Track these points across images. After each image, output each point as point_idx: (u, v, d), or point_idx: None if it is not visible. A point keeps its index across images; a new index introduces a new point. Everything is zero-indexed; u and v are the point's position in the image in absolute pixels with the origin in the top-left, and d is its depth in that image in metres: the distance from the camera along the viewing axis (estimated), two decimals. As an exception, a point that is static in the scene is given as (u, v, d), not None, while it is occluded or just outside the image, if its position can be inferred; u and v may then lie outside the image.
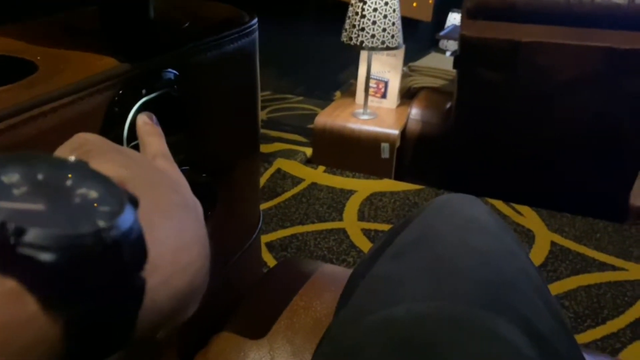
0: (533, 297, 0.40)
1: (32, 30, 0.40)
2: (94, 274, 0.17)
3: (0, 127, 0.27)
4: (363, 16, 1.59)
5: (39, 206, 0.17)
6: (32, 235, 0.16)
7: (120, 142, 0.36)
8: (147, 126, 0.33)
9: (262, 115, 2.68)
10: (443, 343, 0.33)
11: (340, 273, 0.59)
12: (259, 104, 0.58)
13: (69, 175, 0.19)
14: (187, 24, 0.47)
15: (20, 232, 0.16)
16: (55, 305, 0.16)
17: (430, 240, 0.45)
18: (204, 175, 0.49)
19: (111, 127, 0.35)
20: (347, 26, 1.65)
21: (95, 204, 0.18)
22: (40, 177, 0.18)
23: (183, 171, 0.49)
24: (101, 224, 0.17)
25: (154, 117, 0.35)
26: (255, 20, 0.53)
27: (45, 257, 0.16)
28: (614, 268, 1.26)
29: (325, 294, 0.53)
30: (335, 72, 3.33)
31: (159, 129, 0.34)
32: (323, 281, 0.55)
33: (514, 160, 1.52)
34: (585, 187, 1.48)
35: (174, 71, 0.41)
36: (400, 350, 0.33)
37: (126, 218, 0.18)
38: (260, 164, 1.66)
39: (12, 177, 0.18)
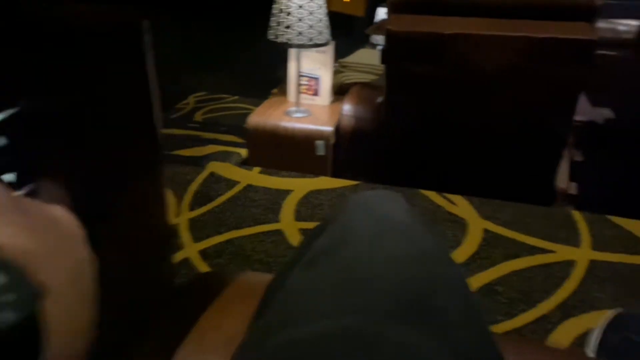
0: (447, 300, 0.39)
1: None
2: None
3: None
4: (288, 13, 1.57)
5: None
6: None
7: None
8: None
9: (197, 116, 2.61)
10: None
11: (259, 283, 0.56)
12: (157, 109, 0.54)
13: None
14: (64, 29, 0.43)
15: None
16: None
17: (342, 247, 0.44)
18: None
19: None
20: (273, 24, 1.62)
21: (3, 293, 0.19)
22: None
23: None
24: (6, 315, 0.18)
25: None
26: (144, 22, 0.49)
27: None
28: (543, 251, 1.30)
29: (238, 309, 0.50)
30: (273, 69, 3.29)
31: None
32: (238, 295, 0.53)
33: (444, 151, 1.54)
34: (514, 173, 1.52)
35: (41, 82, 0.37)
36: None
37: (31, 309, 0.19)
38: (192, 169, 1.60)
39: None
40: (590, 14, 1.43)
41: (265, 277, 0.56)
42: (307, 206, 1.47)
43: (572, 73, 1.35)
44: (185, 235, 1.33)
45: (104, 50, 0.43)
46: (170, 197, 1.48)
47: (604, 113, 1.60)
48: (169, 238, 0.60)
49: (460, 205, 1.48)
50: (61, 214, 0.28)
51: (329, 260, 0.42)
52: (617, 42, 2.42)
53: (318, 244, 0.46)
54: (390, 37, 1.41)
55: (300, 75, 1.79)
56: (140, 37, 0.49)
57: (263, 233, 1.34)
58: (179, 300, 0.53)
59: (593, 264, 1.25)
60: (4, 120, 0.34)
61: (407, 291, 0.38)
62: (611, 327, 0.91)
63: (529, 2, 1.43)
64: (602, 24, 2.53)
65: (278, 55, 1.96)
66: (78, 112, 0.42)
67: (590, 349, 0.92)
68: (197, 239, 1.32)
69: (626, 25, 2.51)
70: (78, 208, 0.43)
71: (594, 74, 1.45)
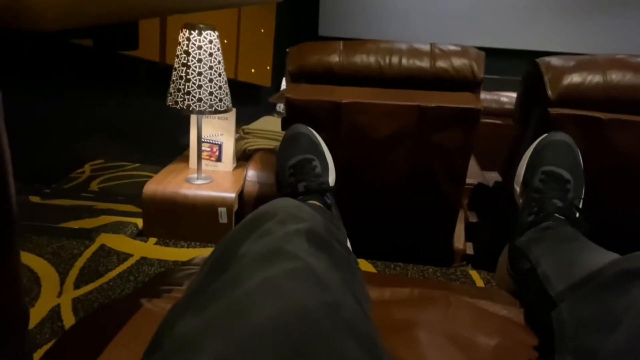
0: (339, 335, 0.37)
1: None
2: None
3: None
4: (188, 80, 1.55)
5: None
6: None
7: None
8: None
9: (93, 186, 2.46)
10: None
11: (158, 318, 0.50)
12: (9, 176, 0.48)
13: None
14: None
15: None
16: None
17: (233, 281, 0.41)
18: None
19: None
20: (172, 90, 1.59)
21: None
22: None
23: None
24: None
25: None
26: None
27: None
28: (445, 312, 1.31)
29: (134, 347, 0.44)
30: (177, 136, 3.23)
31: None
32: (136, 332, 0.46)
33: (347, 215, 1.54)
34: (414, 235, 1.55)
35: None
36: None
37: None
38: (80, 242, 1.47)
39: None
40: (474, 86, 1.55)
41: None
42: (208, 278, 1.39)
43: (460, 139, 1.44)
44: (67, 317, 1.19)
45: None
46: (52, 275, 1.33)
47: (492, 176, 1.71)
48: (22, 324, 0.52)
49: (363, 269, 1.47)
50: None
51: (219, 299, 0.39)
52: (501, 112, 2.66)
53: (215, 283, 0.43)
54: (289, 105, 1.43)
55: (202, 142, 1.75)
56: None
57: (157, 309, 1.23)
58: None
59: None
60: None
61: (293, 331, 0.35)
62: (531, 164, 0.92)
63: (418, 74, 1.53)
64: (487, 96, 2.78)
65: (181, 122, 1.93)
66: None
67: (518, 187, 0.93)
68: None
69: (507, 97, 2.77)
70: None
71: (481, 140, 1.55)
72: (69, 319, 1.19)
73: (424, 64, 1.51)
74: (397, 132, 1.42)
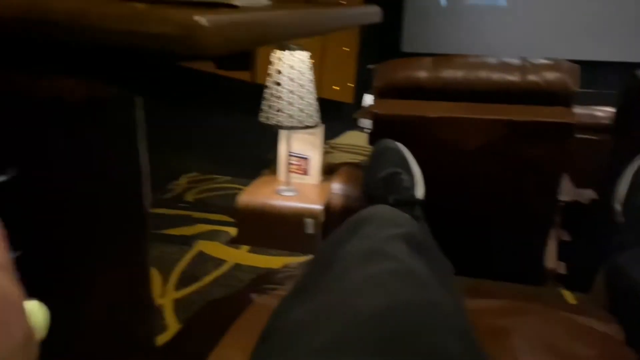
0: (439, 331, 0.39)
1: None
2: None
3: None
4: (279, 97, 1.63)
5: None
6: None
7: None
8: None
9: (189, 197, 2.63)
10: None
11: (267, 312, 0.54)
12: (146, 184, 0.55)
13: None
14: (55, 103, 0.45)
15: None
16: None
17: (338, 277, 0.45)
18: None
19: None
20: (264, 107, 1.68)
21: None
22: None
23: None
24: None
25: None
26: (137, 99, 0.52)
27: None
28: (535, 332, 1.27)
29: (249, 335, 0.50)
30: (265, 151, 3.37)
31: (2, 234, 0.30)
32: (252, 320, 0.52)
33: (434, 230, 1.54)
34: (503, 253, 1.52)
35: (33, 153, 0.38)
36: None
37: None
38: (180, 248, 1.59)
39: None
40: (567, 99, 1.50)
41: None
42: (296, 286, 1.45)
43: (552, 155, 1.40)
44: (169, 317, 1.29)
45: (94, 124, 0.45)
46: (155, 277, 1.45)
47: (588, 194, 1.63)
48: (152, 317, 0.59)
49: (450, 285, 1.46)
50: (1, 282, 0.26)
51: (325, 291, 0.44)
52: (596, 127, 2.53)
53: (321, 278, 0.47)
54: (377, 120, 1.47)
55: (290, 155, 1.83)
56: (132, 112, 0.51)
57: (250, 313, 1.30)
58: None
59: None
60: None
61: (398, 324, 0.39)
62: (634, 182, 0.86)
63: (508, 87, 1.51)
64: (581, 110, 2.65)
65: (267, 137, 2.02)
66: (66, 184, 0.43)
67: (619, 205, 0.87)
68: (182, 321, 1.28)
69: (602, 111, 2.63)
70: (56, 281, 0.42)
71: (575, 156, 1.50)
72: (170, 318, 1.28)
73: (514, 77, 1.49)
74: (486, 146, 1.41)
